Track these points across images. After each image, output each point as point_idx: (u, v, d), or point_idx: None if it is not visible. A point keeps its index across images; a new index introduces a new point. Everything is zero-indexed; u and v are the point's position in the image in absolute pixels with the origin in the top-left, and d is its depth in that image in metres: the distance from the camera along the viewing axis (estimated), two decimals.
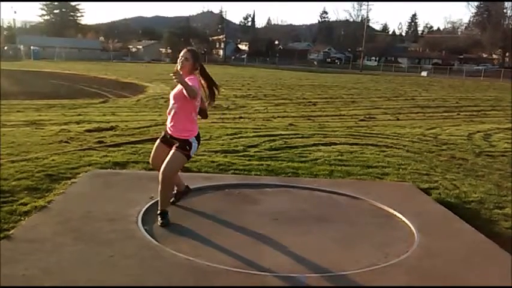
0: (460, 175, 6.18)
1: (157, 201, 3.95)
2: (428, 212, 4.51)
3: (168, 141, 3.93)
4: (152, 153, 4.09)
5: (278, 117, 12.20)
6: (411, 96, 21.25)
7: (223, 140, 7.85)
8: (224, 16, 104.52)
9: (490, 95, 24.66)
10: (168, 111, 3.96)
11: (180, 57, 3.85)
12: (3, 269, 2.88)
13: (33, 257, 3.07)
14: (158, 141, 4.05)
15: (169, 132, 3.92)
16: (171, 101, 3.89)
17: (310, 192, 5.03)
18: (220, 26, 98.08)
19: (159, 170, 3.88)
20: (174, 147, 3.82)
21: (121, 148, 6.78)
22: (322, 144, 7.83)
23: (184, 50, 3.93)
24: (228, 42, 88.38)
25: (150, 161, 4.15)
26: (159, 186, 3.81)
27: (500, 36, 65.70)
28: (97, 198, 4.35)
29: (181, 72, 3.66)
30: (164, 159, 3.87)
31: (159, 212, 3.85)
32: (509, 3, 69.27)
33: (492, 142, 9.14)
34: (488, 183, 5.78)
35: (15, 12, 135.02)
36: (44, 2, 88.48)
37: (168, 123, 3.92)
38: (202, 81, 3.99)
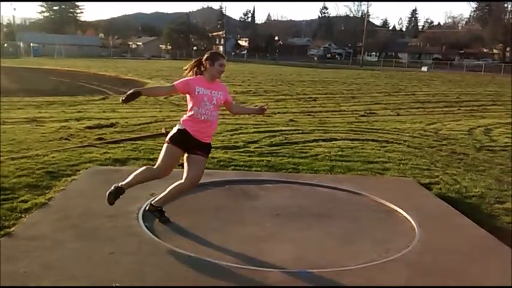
0: (461, 170, 6.18)
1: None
2: (429, 207, 4.51)
3: (184, 144, 3.59)
4: (168, 160, 3.62)
5: (278, 113, 12.17)
6: (412, 92, 21.18)
7: (223, 136, 7.85)
8: (224, 12, 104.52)
9: (490, 89, 24.58)
10: (200, 117, 3.55)
11: (218, 64, 3.57)
12: (4, 266, 2.88)
13: (34, 254, 3.07)
14: (175, 147, 3.58)
15: (196, 136, 3.57)
16: (208, 106, 3.54)
17: (311, 188, 5.03)
18: (220, 22, 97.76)
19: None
20: (201, 154, 3.61)
21: (121, 145, 6.79)
22: (323, 140, 7.84)
23: (222, 57, 3.64)
24: (228, 38, 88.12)
25: (164, 170, 3.64)
26: (181, 187, 3.66)
27: (500, 30, 65.45)
28: (97, 195, 4.33)
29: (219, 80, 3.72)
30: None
31: (157, 207, 3.81)
32: None
33: (493, 137, 9.13)
34: (488, 178, 5.78)
35: (14, 9, 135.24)
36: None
37: (199, 129, 3.57)
38: None
